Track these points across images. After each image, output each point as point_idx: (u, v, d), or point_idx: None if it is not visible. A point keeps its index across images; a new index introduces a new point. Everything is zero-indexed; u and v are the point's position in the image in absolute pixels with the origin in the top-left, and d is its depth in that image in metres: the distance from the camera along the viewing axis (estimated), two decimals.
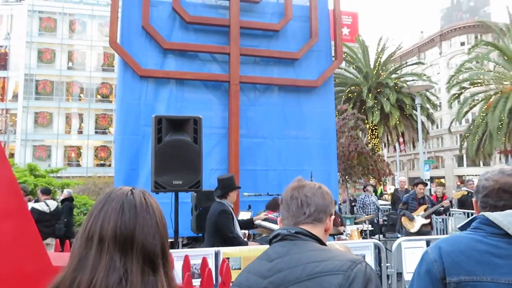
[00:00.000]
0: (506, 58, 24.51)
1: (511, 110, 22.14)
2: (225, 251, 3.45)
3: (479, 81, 25.79)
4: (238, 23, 7.74)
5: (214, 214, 4.26)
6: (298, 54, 8.12)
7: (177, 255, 3.13)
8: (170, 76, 7.48)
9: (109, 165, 35.59)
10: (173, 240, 4.18)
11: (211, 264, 3.21)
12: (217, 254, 3.43)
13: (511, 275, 1.33)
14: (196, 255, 3.23)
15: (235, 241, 4.15)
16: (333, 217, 1.49)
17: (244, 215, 5.10)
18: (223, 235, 4.18)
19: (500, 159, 33.74)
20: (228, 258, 3.23)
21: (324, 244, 1.41)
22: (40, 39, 37.57)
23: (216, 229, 4.23)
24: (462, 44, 45.48)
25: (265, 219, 5.00)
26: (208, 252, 3.38)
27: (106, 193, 1.00)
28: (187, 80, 7.64)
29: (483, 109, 24.49)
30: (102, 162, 38.01)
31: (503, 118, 22.27)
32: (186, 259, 2.71)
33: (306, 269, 1.24)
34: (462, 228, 1.54)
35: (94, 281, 0.87)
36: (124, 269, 0.90)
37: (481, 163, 36.43)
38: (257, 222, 4.85)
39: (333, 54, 8.84)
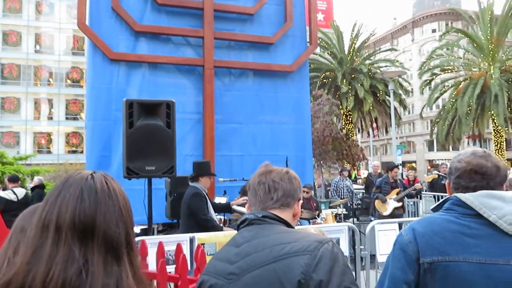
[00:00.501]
0: (475, 45, 25.16)
1: (479, 96, 22.85)
2: (200, 236, 3.42)
3: (449, 67, 26.42)
4: (212, 6, 7.58)
5: (188, 197, 4.25)
6: (273, 39, 8.05)
7: (151, 242, 3.07)
8: (143, 59, 7.28)
9: (81, 152, 34.68)
10: (147, 227, 4.12)
11: (186, 250, 3.17)
12: (192, 240, 3.39)
13: (482, 254, 1.35)
14: (171, 241, 3.19)
15: (208, 224, 4.14)
16: (301, 202, 1.48)
17: (220, 201, 5.07)
18: (196, 217, 4.17)
19: (468, 143, 34.90)
20: (203, 244, 3.20)
21: (293, 228, 1.41)
22: (4, 20, 35.86)
23: (189, 212, 4.22)
24: (434, 31, 46.32)
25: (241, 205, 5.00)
26: (183, 238, 3.33)
27: (64, 178, 0.93)
28: (160, 64, 7.46)
29: (453, 95, 25.16)
30: (74, 148, 37.05)
31: (471, 103, 22.95)
32: (160, 246, 2.66)
33: (272, 251, 1.23)
34: (435, 209, 1.56)
35: (51, 274, 0.80)
36: (84, 259, 0.83)
37: (451, 148, 37.55)
38: (233, 207, 4.85)
39: (308, 39, 8.81)
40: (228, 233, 3.73)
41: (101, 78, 7.03)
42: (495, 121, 23.22)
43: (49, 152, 36.18)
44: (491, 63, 24.06)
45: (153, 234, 6.86)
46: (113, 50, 7.03)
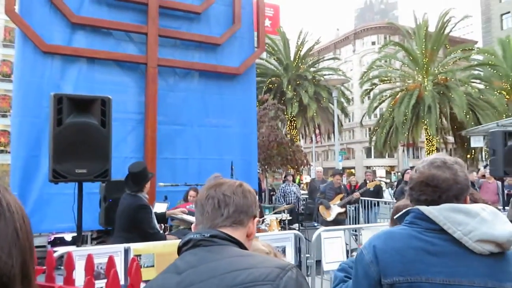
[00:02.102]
0: (411, 58, 26.64)
1: (414, 106, 24.16)
2: (136, 247, 3.10)
3: (387, 78, 27.74)
4: (157, 1, 7.24)
5: (132, 209, 3.90)
6: (220, 40, 7.86)
7: (80, 254, 2.74)
8: (79, 53, 6.76)
9: (9, 152, 32.13)
10: (76, 236, 3.73)
11: (120, 262, 2.87)
12: (127, 251, 3.08)
13: (445, 274, 1.25)
14: (103, 253, 2.87)
15: (157, 237, 3.85)
16: (257, 219, 1.27)
17: (160, 207, 4.76)
18: (142, 231, 3.85)
19: (403, 151, 36.82)
20: (139, 256, 2.91)
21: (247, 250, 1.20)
22: None
23: (133, 225, 3.88)
24: (373, 43, 48.70)
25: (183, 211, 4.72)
26: (117, 249, 3.01)
27: None
28: (99, 60, 6.98)
29: (391, 105, 26.40)
30: (1, 148, 34.22)
31: (407, 113, 24.19)
32: (89, 259, 2.35)
33: (224, 280, 1.01)
34: (399, 219, 1.43)
35: None
36: None
37: (387, 155, 39.45)
38: (170, 213, 4.56)
39: (255, 43, 8.73)
40: (169, 243, 3.46)
41: (31, 72, 6.44)
42: (427, 130, 24.63)
43: None
44: (425, 76, 25.57)
45: (86, 242, 6.37)
46: (46, 42, 6.47)
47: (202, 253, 1.10)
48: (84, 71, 6.85)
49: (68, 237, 6.41)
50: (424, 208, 1.33)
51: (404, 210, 1.41)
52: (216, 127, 7.83)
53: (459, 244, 1.26)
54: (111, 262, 2.28)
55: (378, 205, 9.93)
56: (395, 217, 1.45)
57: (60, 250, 3.05)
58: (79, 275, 2.61)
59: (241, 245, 1.16)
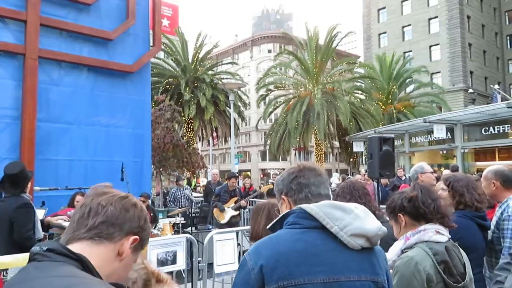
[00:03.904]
0: (303, 68, 28.34)
1: (305, 113, 25.72)
2: (2, 260, 2.70)
3: (281, 85, 29.13)
4: None
5: (11, 210, 3.47)
6: (112, 34, 7.42)
7: None
8: None
9: None
10: None
11: None
12: None
13: (325, 273, 1.29)
14: None
15: (31, 243, 3.42)
16: (134, 237, 1.08)
17: (37, 213, 4.27)
18: (17, 234, 3.41)
19: (295, 154, 38.92)
20: (6, 270, 2.54)
21: (96, 273, 0.99)
22: None
23: (12, 229, 3.43)
24: (269, 51, 50.76)
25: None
26: None
27: None
28: None
29: (284, 111, 27.75)
30: None
31: (299, 119, 25.65)
32: None
33: None
34: (273, 227, 1.45)
35: None
36: None
37: (281, 158, 41.32)
38: (48, 220, 4.14)
39: (151, 42, 8.43)
40: None
41: None
42: (316, 135, 26.42)
43: None
44: (315, 85, 27.40)
45: None
46: None
47: (29, 269, 0.95)
48: None
49: None
50: (305, 206, 1.38)
51: (285, 212, 1.44)
52: (106, 127, 7.36)
53: (336, 240, 1.33)
54: None
55: None
56: (268, 227, 1.48)
57: None
58: None
59: (84, 264, 0.98)
